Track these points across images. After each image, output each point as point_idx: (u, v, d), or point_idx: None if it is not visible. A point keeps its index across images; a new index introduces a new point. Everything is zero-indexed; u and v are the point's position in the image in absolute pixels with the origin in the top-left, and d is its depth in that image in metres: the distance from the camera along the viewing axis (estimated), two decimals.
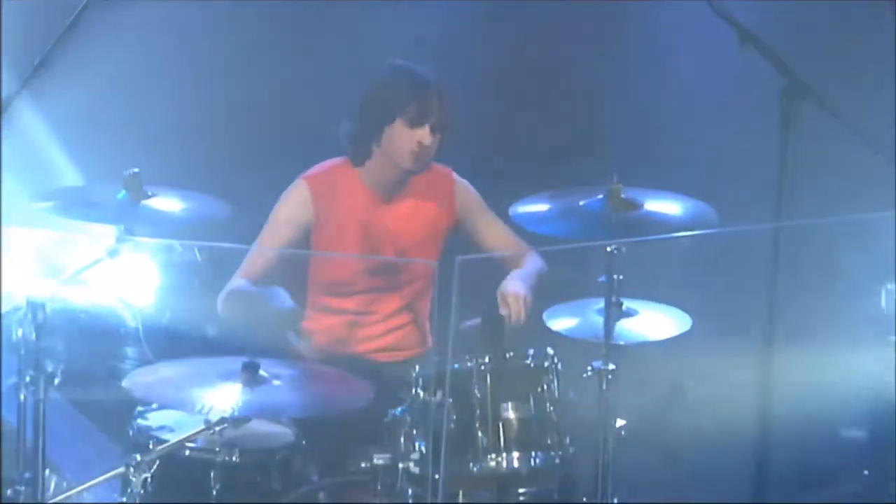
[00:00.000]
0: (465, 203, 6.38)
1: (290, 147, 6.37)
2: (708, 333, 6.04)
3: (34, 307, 5.39)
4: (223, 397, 5.29)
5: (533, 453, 5.50)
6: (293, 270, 6.37)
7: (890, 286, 6.87)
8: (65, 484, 5.93)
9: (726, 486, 5.78)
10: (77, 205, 5.73)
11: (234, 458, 5.56)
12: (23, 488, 5.47)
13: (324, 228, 6.30)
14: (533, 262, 6.36)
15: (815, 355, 6.85)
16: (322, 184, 6.30)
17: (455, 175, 6.49)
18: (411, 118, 6.10)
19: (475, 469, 5.45)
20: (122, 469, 5.23)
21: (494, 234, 6.43)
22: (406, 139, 6.09)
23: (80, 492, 5.83)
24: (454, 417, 5.41)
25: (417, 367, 5.49)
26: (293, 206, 6.30)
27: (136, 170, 5.41)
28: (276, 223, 6.32)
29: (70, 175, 7.01)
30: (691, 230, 5.72)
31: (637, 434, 7.01)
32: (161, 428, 5.66)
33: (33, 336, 5.40)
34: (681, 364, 6.57)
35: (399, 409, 5.38)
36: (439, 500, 5.27)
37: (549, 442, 5.53)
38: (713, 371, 6.07)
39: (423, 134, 6.07)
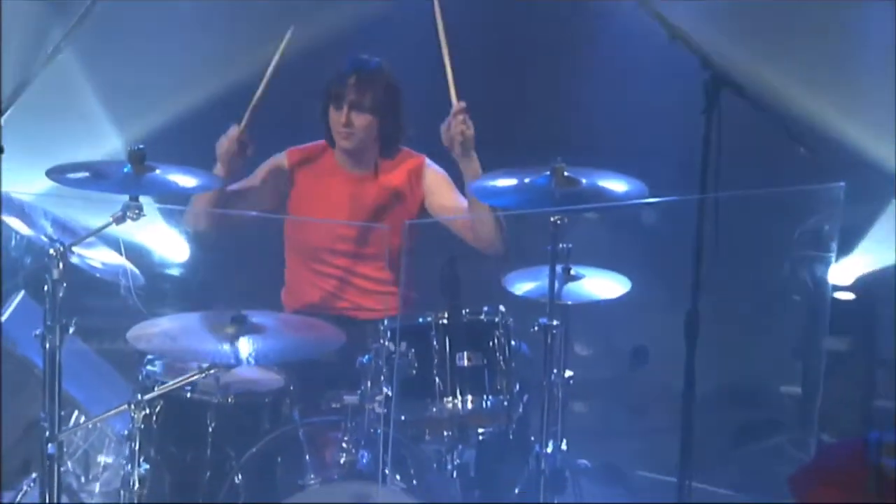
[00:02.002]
0: (431, 185, 6.39)
1: (278, 129, 6.37)
2: (647, 296, 6.12)
3: (52, 264, 5.48)
4: (217, 346, 5.32)
5: (485, 397, 5.61)
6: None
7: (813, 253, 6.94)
8: (82, 418, 6.13)
9: (661, 438, 5.84)
10: (89, 177, 5.70)
11: (228, 401, 5.70)
12: (47, 421, 5.47)
13: (299, 198, 6.38)
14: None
15: (739, 318, 6.92)
16: (301, 158, 6.40)
17: (427, 161, 6.46)
18: (333, 101, 6.17)
19: (434, 411, 5.59)
20: (124, 406, 5.32)
21: (452, 205, 6.37)
22: (334, 120, 6.16)
23: (94, 423, 6.11)
24: (415, 365, 5.55)
25: (385, 321, 5.52)
26: (271, 165, 6.43)
27: (141, 146, 5.47)
28: (254, 173, 6.39)
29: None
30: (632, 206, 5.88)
31: (603, 388, 7.20)
32: (166, 373, 5.75)
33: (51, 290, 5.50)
34: (624, 323, 6.59)
35: (367, 356, 5.41)
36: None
37: (498, 387, 5.64)
38: (651, 331, 6.09)
39: (342, 114, 6.12)
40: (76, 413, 6.21)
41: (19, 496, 6.09)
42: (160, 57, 7.21)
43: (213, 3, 7.69)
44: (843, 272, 7.30)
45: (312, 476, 5.35)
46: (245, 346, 5.34)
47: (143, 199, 5.55)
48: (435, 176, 6.41)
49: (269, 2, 7.89)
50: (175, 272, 7.26)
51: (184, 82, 7.36)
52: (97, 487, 6.19)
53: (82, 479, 6.23)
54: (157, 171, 5.51)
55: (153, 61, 7.22)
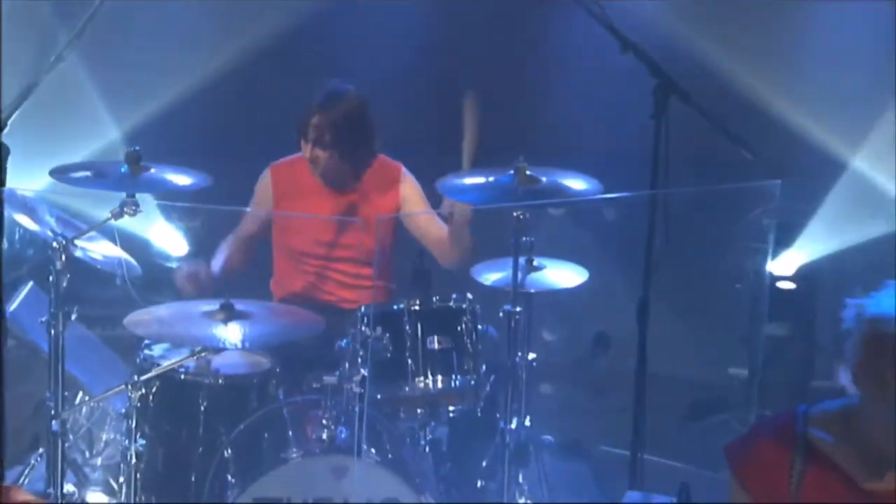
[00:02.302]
0: (406, 196, 6.31)
1: (262, 135, 6.33)
2: (604, 285, 6.13)
3: (55, 257, 5.51)
4: (207, 331, 5.34)
5: (453, 377, 5.62)
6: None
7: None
8: (86, 398, 6.10)
9: (620, 416, 5.82)
10: (89, 176, 5.75)
11: (219, 382, 5.72)
12: (52, 401, 5.54)
13: (282, 204, 6.33)
14: (447, 251, 6.24)
15: (691, 305, 6.92)
16: (283, 173, 6.33)
17: (404, 170, 6.39)
18: (301, 134, 6.14)
19: (407, 390, 5.60)
20: (122, 386, 5.33)
21: (432, 223, 6.29)
22: (304, 151, 6.13)
23: (95, 402, 6.08)
24: (390, 349, 5.54)
25: (362, 308, 5.53)
26: (260, 191, 6.37)
27: (137, 148, 5.47)
28: (252, 204, 6.37)
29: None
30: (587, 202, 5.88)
31: (567, 371, 7.19)
32: (161, 357, 5.75)
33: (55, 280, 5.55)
34: (585, 310, 6.58)
35: (345, 341, 5.39)
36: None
37: (466, 368, 5.63)
38: (609, 317, 6.08)
39: (308, 149, 6.09)
40: (80, 394, 6.19)
41: (27, 470, 6.06)
42: (154, 49, 7.17)
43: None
44: (785, 263, 7.32)
45: (295, 450, 5.34)
46: (233, 331, 5.35)
47: (144, 196, 5.64)
48: (412, 190, 6.35)
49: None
50: (171, 264, 7.19)
51: (176, 72, 7.29)
52: (99, 461, 6.17)
53: (86, 455, 6.22)
54: (153, 171, 5.56)
55: (148, 53, 7.19)
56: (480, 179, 5.78)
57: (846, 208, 7.30)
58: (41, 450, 5.92)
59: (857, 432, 3.53)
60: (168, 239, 7.27)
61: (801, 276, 7.33)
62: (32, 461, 6.06)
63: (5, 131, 5.13)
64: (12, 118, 5.14)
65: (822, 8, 7.78)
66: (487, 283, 5.98)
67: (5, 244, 5.25)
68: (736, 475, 3.62)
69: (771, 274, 7.27)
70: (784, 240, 7.27)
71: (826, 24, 7.73)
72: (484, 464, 5.97)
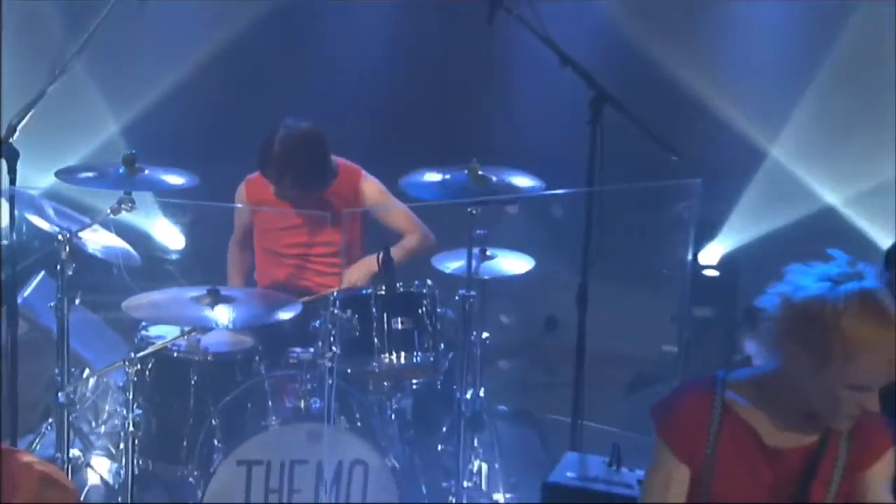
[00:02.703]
0: (370, 195, 6.25)
1: (246, 141, 6.28)
2: (550, 272, 6.13)
3: (61, 248, 5.52)
4: (196, 313, 5.35)
5: (415, 354, 5.65)
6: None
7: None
8: (90, 373, 6.18)
9: (567, 389, 5.82)
10: (91, 177, 5.75)
11: (207, 359, 5.73)
12: (59, 377, 5.57)
13: (257, 218, 6.33)
14: (410, 240, 6.26)
15: (628, 290, 6.91)
16: (255, 186, 6.23)
17: (363, 172, 6.31)
18: (261, 170, 6.08)
19: (374, 365, 5.62)
20: (120, 362, 5.30)
21: (395, 217, 6.28)
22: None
23: (97, 377, 6.20)
24: (358, 328, 5.55)
25: (335, 293, 5.50)
26: (238, 201, 6.34)
27: (133, 151, 5.46)
28: (235, 212, 6.37)
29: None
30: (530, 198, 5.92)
31: (520, 349, 7.17)
32: (157, 337, 5.73)
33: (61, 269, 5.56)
34: (535, 294, 6.57)
35: (318, 322, 5.38)
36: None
37: (426, 346, 5.68)
38: (557, 300, 6.07)
39: (270, 185, 6.08)
40: (87, 370, 6.19)
41: (38, 437, 6.09)
42: (151, 59, 7.07)
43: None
44: (709, 254, 7.36)
45: (274, 418, 5.37)
46: (219, 313, 5.35)
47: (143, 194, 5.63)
48: (373, 188, 6.28)
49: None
50: (167, 254, 7.19)
51: (169, 81, 7.20)
52: (103, 429, 6.23)
53: (92, 424, 6.31)
54: (146, 172, 5.57)
55: (145, 63, 7.09)
56: (438, 178, 5.78)
57: (763, 200, 7.32)
58: (50, 419, 5.92)
59: (767, 397, 3.55)
60: (166, 232, 7.25)
61: (723, 264, 7.40)
62: (43, 429, 6.08)
63: (14, 137, 5.17)
64: (21, 125, 5.16)
65: (740, 8, 7.74)
66: (447, 270, 5.99)
67: (14, 237, 5.26)
68: (660, 432, 3.61)
69: (697, 263, 7.29)
70: (708, 234, 7.32)
71: (746, 23, 7.68)
72: (443, 430, 6.02)
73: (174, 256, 7.51)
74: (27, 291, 6.52)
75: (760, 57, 7.52)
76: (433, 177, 5.83)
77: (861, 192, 7.30)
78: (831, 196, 7.39)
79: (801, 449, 3.55)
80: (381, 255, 5.59)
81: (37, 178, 5.71)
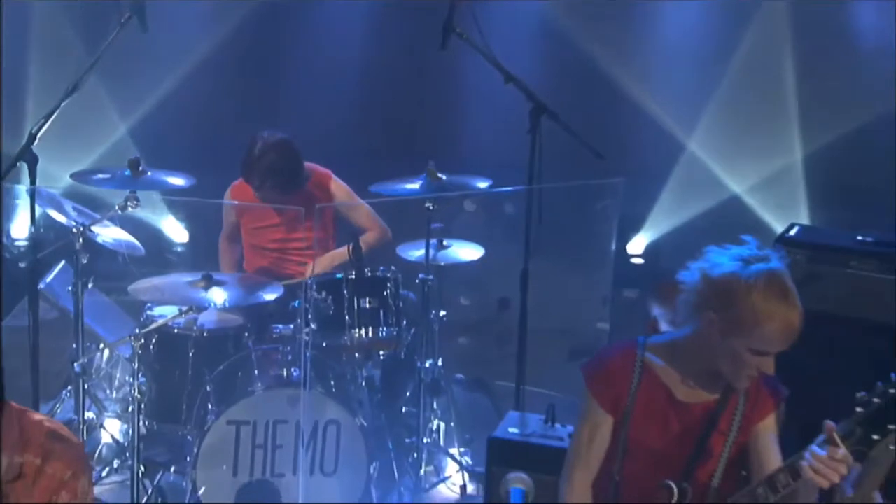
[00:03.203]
0: (339, 195, 6.20)
1: (234, 146, 6.26)
2: (499, 259, 6.10)
3: (75, 240, 5.54)
4: (192, 295, 5.36)
5: (381, 329, 5.63)
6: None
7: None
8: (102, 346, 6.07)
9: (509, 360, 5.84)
10: (101, 178, 5.76)
11: (203, 335, 5.72)
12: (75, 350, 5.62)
13: (243, 219, 6.29)
14: (371, 235, 6.18)
15: (568, 274, 6.89)
16: (239, 191, 6.17)
17: (332, 175, 6.25)
18: (244, 177, 6.03)
19: (346, 339, 5.60)
20: (127, 338, 5.26)
21: (359, 215, 6.20)
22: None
23: (108, 349, 6.12)
24: (332, 308, 5.55)
25: (311, 278, 5.52)
26: (225, 210, 6.31)
27: (137, 156, 5.46)
28: (223, 211, 6.34)
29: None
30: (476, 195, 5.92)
31: (476, 325, 7.14)
32: (160, 316, 5.68)
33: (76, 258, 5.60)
34: (487, 278, 6.57)
35: (297, 302, 5.40)
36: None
37: (390, 322, 5.65)
38: (505, 283, 6.05)
39: (252, 190, 6.07)
40: (101, 345, 6.16)
41: (58, 403, 6.10)
42: (152, 66, 6.98)
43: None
44: (636, 244, 7.36)
45: (259, 385, 5.38)
46: (212, 295, 5.38)
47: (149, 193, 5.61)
48: (341, 189, 6.21)
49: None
50: (173, 247, 7.17)
51: (171, 91, 7.15)
52: (115, 395, 6.20)
53: (107, 391, 6.31)
54: (149, 173, 5.59)
55: (147, 70, 7.01)
56: (399, 180, 5.83)
57: (680, 193, 7.29)
58: (69, 387, 5.94)
59: (680, 358, 3.60)
60: (172, 228, 7.23)
61: (647, 253, 7.40)
62: (63, 395, 6.09)
63: (34, 144, 5.17)
64: (40, 133, 5.15)
65: (660, 11, 7.64)
66: (409, 258, 6.02)
67: (32, 230, 5.26)
68: (589, 386, 3.67)
69: (626, 252, 7.30)
70: (635, 227, 7.32)
71: (667, 25, 7.57)
72: (407, 394, 6.04)
73: (179, 249, 7.50)
74: (50, 278, 6.51)
75: (679, 58, 7.43)
76: (398, 182, 5.85)
77: (760, 182, 7.26)
78: (736, 186, 7.35)
79: (705, 404, 3.59)
80: (351, 246, 5.66)
81: (53, 179, 5.66)
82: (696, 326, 3.52)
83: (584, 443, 3.65)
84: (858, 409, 3.23)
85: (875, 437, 3.22)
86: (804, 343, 3.47)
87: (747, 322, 3.39)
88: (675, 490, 3.53)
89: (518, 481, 3.56)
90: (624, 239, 7.39)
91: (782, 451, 3.56)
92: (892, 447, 3.34)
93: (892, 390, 3.20)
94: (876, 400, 3.21)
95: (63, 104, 5.14)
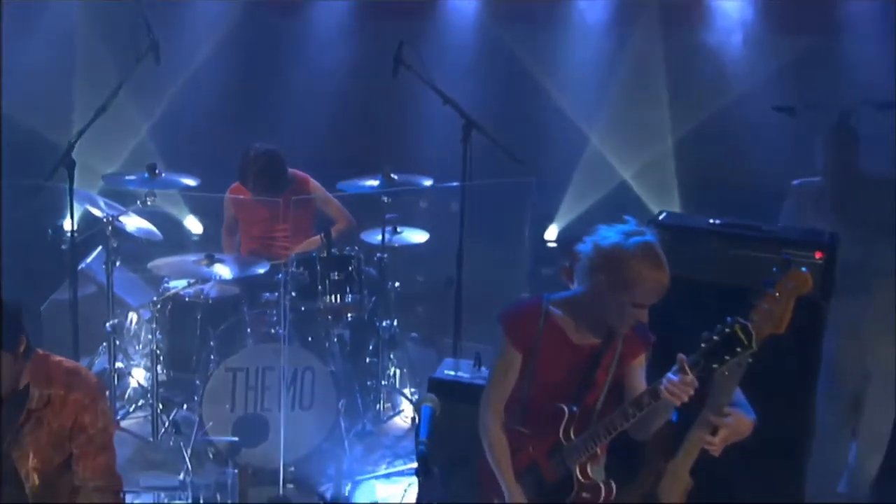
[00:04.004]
0: (315, 193, 6.15)
1: (232, 153, 6.24)
2: (442, 243, 6.05)
3: (105, 228, 5.57)
4: (199, 270, 5.45)
5: (347, 296, 5.65)
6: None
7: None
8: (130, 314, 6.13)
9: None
10: (125, 179, 5.78)
11: (208, 302, 5.74)
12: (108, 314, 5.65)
13: (239, 213, 6.24)
14: (340, 225, 6.12)
15: (496, 258, 6.86)
16: (236, 192, 6.14)
17: (311, 179, 6.16)
18: (240, 180, 6.05)
19: (320, 304, 5.64)
20: (148, 304, 5.36)
21: (331, 208, 6.15)
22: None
23: (134, 313, 6.10)
24: (307, 279, 5.59)
25: (293, 256, 5.54)
26: (225, 203, 6.27)
27: (154, 162, 5.49)
28: (224, 207, 6.29)
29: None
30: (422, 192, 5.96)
31: (426, 296, 7.06)
32: (174, 287, 5.75)
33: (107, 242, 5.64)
34: (434, 258, 6.49)
35: (280, 275, 5.31)
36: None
37: (355, 291, 5.67)
38: (445, 262, 6.04)
39: (247, 190, 6.04)
40: (129, 311, 6.15)
41: (96, 356, 6.09)
42: (166, 88, 6.82)
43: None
44: (551, 231, 7.36)
45: (251, 340, 5.46)
46: (215, 270, 5.46)
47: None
48: (318, 189, 6.15)
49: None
50: (190, 237, 7.13)
51: (185, 95, 7.00)
52: (140, 349, 6.16)
53: (136, 347, 6.21)
54: (163, 175, 5.65)
55: (163, 92, 6.85)
56: (363, 179, 5.89)
57: (583, 184, 7.13)
58: (104, 343, 5.91)
59: (575, 310, 3.61)
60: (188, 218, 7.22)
61: (560, 238, 7.35)
62: (99, 350, 6.07)
63: (72, 152, 5.17)
64: (76, 144, 5.16)
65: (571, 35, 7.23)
66: (371, 241, 6.07)
67: (75, 225, 5.27)
68: (504, 330, 3.67)
69: (543, 238, 7.28)
70: (550, 217, 7.27)
71: (574, 47, 7.15)
72: (370, 348, 6.05)
73: (194, 238, 7.48)
74: (89, 259, 6.55)
75: (584, 71, 7.09)
76: (362, 178, 5.90)
77: (642, 170, 7.09)
78: (625, 175, 7.18)
79: (592, 345, 3.63)
80: (323, 234, 5.72)
81: (89, 178, 5.65)
82: (589, 286, 3.54)
83: (500, 374, 3.67)
84: (703, 345, 3.31)
85: (714, 365, 3.30)
86: (670, 301, 3.49)
87: (628, 281, 3.44)
88: (567, 411, 3.59)
89: (428, 400, 3.46)
90: (542, 228, 7.37)
91: (647, 381, 3.61)
92: (726, 373, 3.45)
93: (727, 330, 3.28)
94: (715, 338, 3.29)
95: (93, 122, 5.16)
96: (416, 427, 3.46)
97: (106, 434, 3.79)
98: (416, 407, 3.55)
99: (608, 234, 3.54)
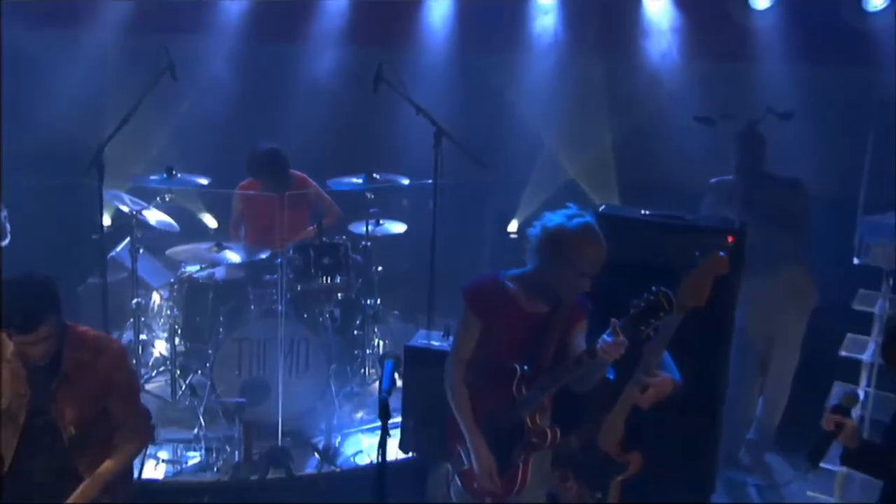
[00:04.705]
0: (312, 190, 6.06)
1: (239, 154, 6.20)
2: (420, 233, 5.88)
3: (131, 222, 5.55)
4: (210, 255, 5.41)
5: (337, 276, 5.60)
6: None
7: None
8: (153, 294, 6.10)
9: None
10: (148, 179, 5.70)
11: (219, 283, 5.68)
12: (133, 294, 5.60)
13: (244, 208, 6.17)
14: (330, 218, 6.05)
15: (467, 245, 6.82)
16: (245, 188, 6.06)
17: (308, 178, 6.06)
18: (249, 174, 5.98)
19: (314, 284, 5.57)
20: (167, 284, 5.32)
21: (323, 203, 6.10)
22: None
23: (157, 292, 6.03)
24: (302, 263, 5.53)
25: (290, 244, 5.54)
26: (235, 200, 6.19)
27: (171, 165, 5.43)
28: (232, 203, 6.20)
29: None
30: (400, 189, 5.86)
31: (406, 278, 7.01)
32: (190, 270, 5.71)
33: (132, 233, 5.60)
34: (411, 246, 6.37)
35: (279, 259, 5.30)
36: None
37: (343, 273, 5.62)
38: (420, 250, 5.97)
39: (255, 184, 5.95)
40: (152, 291, 6.10)
41: (124, 330, 6.09)
42: (183, 99, 6.59)
43: None
44: (513, 225, 7.25)
45: (255, 315, 5.46)
46: (224, 255, 5.40)
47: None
48: (314, 187, 6.05)
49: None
50: (206, 230, 7.04)
51: (197, 106, 6.79)
52: (160, 323, 6.09)
53: (158, 322, 6.12)
54: (179, 176, 5.58)
55: (180, 102, 6.61)
56: (349, 177, 5.82)
57: (539, 182, 6.94)
58: (131, 319, 5.84)
59: (526, 283, 3.64)
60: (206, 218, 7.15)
61: (519, 230, 7.29)
62: (127, 325, 6.02)
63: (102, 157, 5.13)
64: (105, 150, 5.11)
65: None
66: (358, 231, 5.99)
67: (108, 220, 5.23)
68: (466, 301, 3.67)
69: (506, 231, 7.22)
70: (512, 212, 7.17)
71: (532, 63, 6.93)
72: (357, 322, 5.96)
73: (211, 231, 7.41)
74: (119, 248, 6.43)
75: (537, 78, 6.86)
76: (349, 177, 5.84)
77: (587, 170, 6.96)
78: (573, 175, 7.02)
79: (541, 313, 3.64)
80: (315, 226, 5.65)
81: (116, 180, 5.57)
82: (538, 262, 3.58)
83: (462, 339, 3.69)
84: (632, 311, 3.34)
85: (641, 327, 3.31)
86: (609, 279, 3.54)
87: (572, 254, 3.49)
88: (519, 370, 3.60)
89: (391, 356, 3.38)
90: (505, 222, 7.26)
91: (587, 344, 3.61)
92: (652, 335, 3.47)
93: (651, 298, 3.32)
94: (641, 304, 3.32)
95: (119, 131, 5.07)
96: (379, 378, 3.42)
97: (133, 388, 3.82)
98: (380, 361, 3.51)
99: (553, 218, 3.59)
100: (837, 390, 4.60)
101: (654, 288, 3.33)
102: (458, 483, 3.77)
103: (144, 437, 3.82)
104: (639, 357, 3.61)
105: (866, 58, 5.73)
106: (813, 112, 5.44)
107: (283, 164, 5.97)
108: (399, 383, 5.78)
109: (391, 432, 5.11)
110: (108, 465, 3.66)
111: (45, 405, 3.61)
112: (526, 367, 3.59)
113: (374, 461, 3.07)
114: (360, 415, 5.59)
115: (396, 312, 6.73)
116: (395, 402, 5.48)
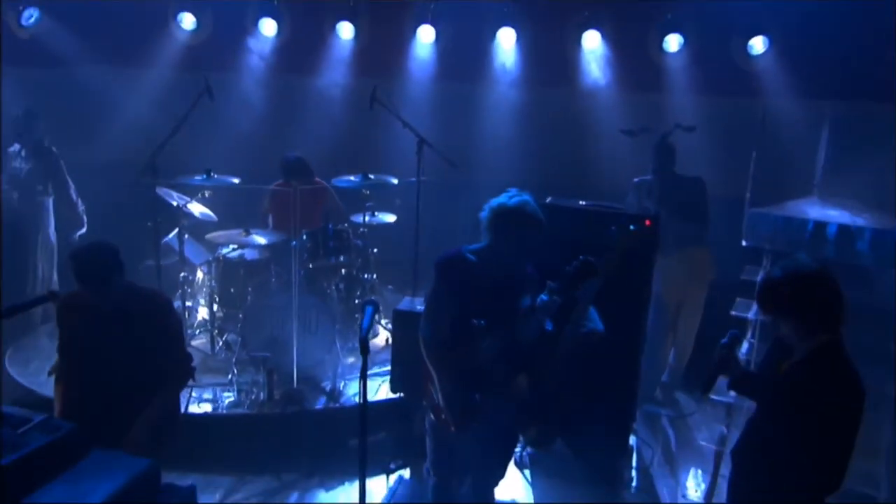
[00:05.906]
0: (330, 196, 5.96)
1: (269, 159, 6.07)
2: (407, 223, 5.83)
3: (178, 213, 5.42)
4: (240, 238, 5.32)
5: (341, 256, 5.54)
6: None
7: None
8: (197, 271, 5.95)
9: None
10: (191, 179, 5.43)
11: (248, 261, 5.57)
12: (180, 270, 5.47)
13: (271, 203, 6.03)
14: (337, 211, 5.94)
15: (450, 235, 6.57)
16: (277, 186, 5.83)
17: (326, 184, 5.77)
18: (283, 176, 5.79)
19: (322, 262, 5.48)
20: (207, 261, 5.20)
21: (330, 199, 5.94)
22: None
23: (199, 269, 5.83)
24: (312, 246, 5.44)
25: (304, 232, 5.40)
26: (267, 196, 6.01)
27: (209, 168, 5.29)
28: (266, 199, 6.04)
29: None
30: (389, 186, 5.61)
31: (398, 261, 6.86)
32: (225, 252, 5.61)
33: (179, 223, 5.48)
34: (402, 234, 6.30)
35: (294, 242, 5.10)
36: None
37: (346, 254, 5.56)
38: (407, 238, 5.81)
39: (284, 183, 5.70)
40: (196, 268, 5.97)
41: (175, 300, 5.71)
42: (222, 117, 6.35)
43: None
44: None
45: (276, 287, 5.33)
46: (252, 238, 5.33)
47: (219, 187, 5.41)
48: (329, 188, 5.86)
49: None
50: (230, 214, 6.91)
51: (231, 120, 6.57)
52: (203, 293, 5.95)
53: (201, 292, 5.96)
54: (216, 176, 5.39)
55: (220, 119, 6.35)
56: (349, 176, 5.65)
57: (503, 180, 6.78)
58: (179, 291, 5.74)
59: (484, 256, 3.52)
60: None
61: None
62: (176, 295, 5.78)
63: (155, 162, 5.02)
64: (159, 155, 5.02)
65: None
66: (357, 220, 5.86)
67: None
68: (437, 272, 3.52)
69: (476, 220, 7.04)
70: (480, 206, 6.99)
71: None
72: (358, 293, 5.86)
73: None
74: (170, 236, 6.24)
75: (500, 101, 6.63)
76: (348, 176, 5.62)
77: (537, 170, 6.52)
78: (525, 173, 6.53)
79: (496, 279, 3.49)
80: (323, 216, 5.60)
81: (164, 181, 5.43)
82: (490, 237, 3.49)
83: (433, 303, 3.57)
84: (563, 275, 3.31)
85: (571, 289, 3.30)
86: (553, 254, 3.45)
87: (514, 225, 3.40)
88: (478, 324, 3.43)
89: (371, 302, 3.21)
90: (475, 213, 7.05)
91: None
92: (582, 293, 3.42)
93: (577, 265, 3.29)
94: (569, 269, 3.30)
95: (168, 141, 4.99)
96: (359, 322, 3.29)
97: (179, 333, 3.77)
98: (361, 306, 3.40)
99: (497, 199, 3.52)
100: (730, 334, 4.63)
101: (581, 257, 3.31)
102: (431, 416, 3.72)
103: (186, 374, 3.79)
104: (570, 312, 3.57)
105: (751, 90, 5.91)
106: (711, 130, 5.54)
107: (307, 168, 5.89)
108: (380, 327, 5.81)
109: (383, 378, 5.22)
110: (158, 398, 3.60)
111: (111, 347, 3.56)
112: (483, 322, 3.49)
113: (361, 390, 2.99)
114: (360, 365, 5.37)
115: (391, 287, 6.58)
116: (386, 354, 5.58)
